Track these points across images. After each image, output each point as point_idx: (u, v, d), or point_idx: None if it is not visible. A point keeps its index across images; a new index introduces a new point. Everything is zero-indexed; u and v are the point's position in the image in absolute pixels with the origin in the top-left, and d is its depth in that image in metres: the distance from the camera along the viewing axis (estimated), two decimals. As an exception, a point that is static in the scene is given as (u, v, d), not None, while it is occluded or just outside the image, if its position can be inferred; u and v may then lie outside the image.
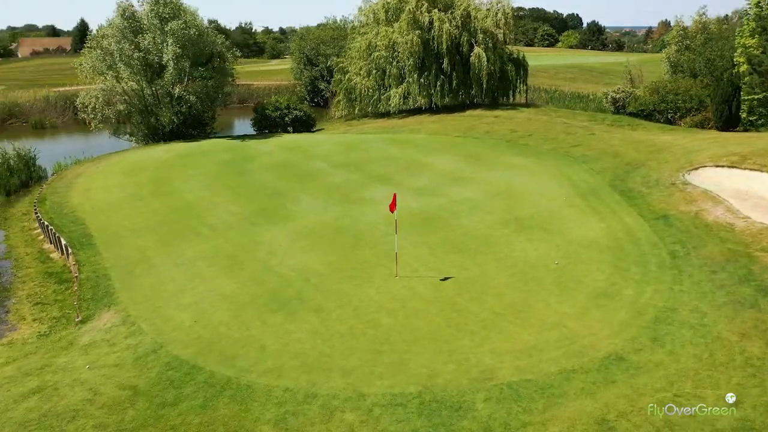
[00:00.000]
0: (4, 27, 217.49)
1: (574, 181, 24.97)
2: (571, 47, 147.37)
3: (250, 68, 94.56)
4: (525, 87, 46.84)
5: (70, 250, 19.70)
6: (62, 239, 20.55)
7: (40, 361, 12.85)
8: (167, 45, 37.19)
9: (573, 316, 13.58)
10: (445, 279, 15.77)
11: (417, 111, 44.17)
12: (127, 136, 40.46)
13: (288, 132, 41.23)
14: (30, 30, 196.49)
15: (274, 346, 12.68)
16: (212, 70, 40.44)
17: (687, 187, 21.80)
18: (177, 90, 38.35)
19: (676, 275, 15.43)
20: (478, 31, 41.75)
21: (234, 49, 43.64)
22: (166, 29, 37.26)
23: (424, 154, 31.19)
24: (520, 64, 45.16)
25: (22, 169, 32.25)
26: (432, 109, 43.50)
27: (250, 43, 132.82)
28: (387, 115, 44.43)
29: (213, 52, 40.84)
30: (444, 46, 40.64)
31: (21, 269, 20.31)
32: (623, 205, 21.44)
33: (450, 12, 41.96)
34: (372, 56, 43.28)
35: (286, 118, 41.14)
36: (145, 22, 38.17)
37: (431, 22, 41.04)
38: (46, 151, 39.61)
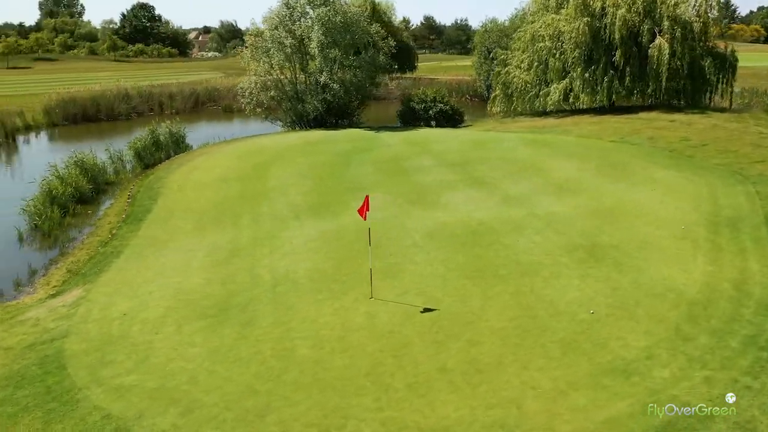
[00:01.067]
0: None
1: (720, 205, 18.87)
2: None
3: (447, 63, 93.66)
4: (730, 88, 38.05)
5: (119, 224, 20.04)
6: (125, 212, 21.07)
7: (-31, 330, 12.65)
8: (313, 32, 37.29)
9: (545, 394, 9.41)
10: (426, 311, 12.34)
11: (580, 111, 38.56)
12: (278, 121, 41.62)
13: (430, 126, 38.87)
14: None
15: (157, 360, 10.79)
16: (362, 60, 39.62)
17: None
18: (323, 78, 38.32)
19: (759, 360, 10.08)
20: (665, 19, 34.72)
21: (388, 38, 42.40)
22: (313, 16, 37.41)
23: (551, 159, 26.64)
24: (726, 61, 36.73)
25: (170, 146, 34.71)
26: (597, 109, 37.58)
27: (463, 40, 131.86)
28: (545, 113, 39.58)
29: (366, 42, 40.05)
30: (617, 36, 34.59)
31: (91, 237, 21.19)
32: (765, 244, 15.37)
33: (630, -5, 35.61)
34: (535, 47, 38.71)
35: (430, 112, 38.79)
36: (299, 10, 38.81)
37: (604, 8, 35.21)
38: (216, 132, 42.52)
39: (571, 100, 37.82)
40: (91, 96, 50.85)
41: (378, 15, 68.73)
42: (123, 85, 54.40)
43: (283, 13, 39.11)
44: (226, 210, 20.77)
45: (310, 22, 38.24)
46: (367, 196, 13.01)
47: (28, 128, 47.18)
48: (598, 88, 36.09)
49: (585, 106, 38.07)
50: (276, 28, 38.77)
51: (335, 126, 39.51)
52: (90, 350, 11.22)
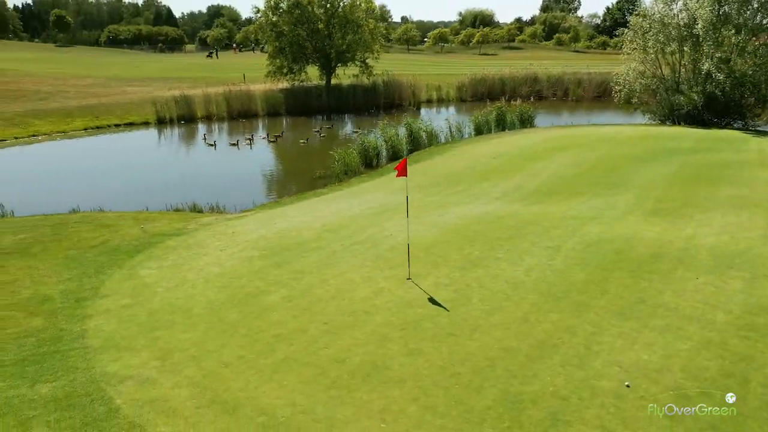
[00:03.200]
0: None
1: None
2: None
3: None
4: None
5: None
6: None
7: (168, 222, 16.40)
8: (703, 7, 31.05)
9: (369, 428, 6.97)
10: (431, 304, 10.14)
11: None
12: (649, 114, 36.59)
13: None
14: None
15: (185, 265, 12.09)
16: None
17: None
18: (706, 65, 31.83)
19: None
20: None
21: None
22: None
23: None
24: None
25: (515, 123, 35.27)
26: None
27: None
28: None
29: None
30: None
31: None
32: None
33: None
34: None
35: None
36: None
37: None
38: (604, 119, 40.59)
39: None
40: (501, 77, 54.40)
41: None
42: (533, 70, 56.23)
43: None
44: (454, 179, 20.39)
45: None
46: (404, 159, 11.17)
47: (440, 101, 54.01)
48: None
49: None
50: (668, 4, 33.86)
51: (714, 125, 32.48)
52: (169, 248, 13.36)
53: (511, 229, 14.17)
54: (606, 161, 23.00)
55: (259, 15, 50.52)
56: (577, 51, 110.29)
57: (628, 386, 7.78)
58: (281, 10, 48.38)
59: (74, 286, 11.08)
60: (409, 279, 11.23)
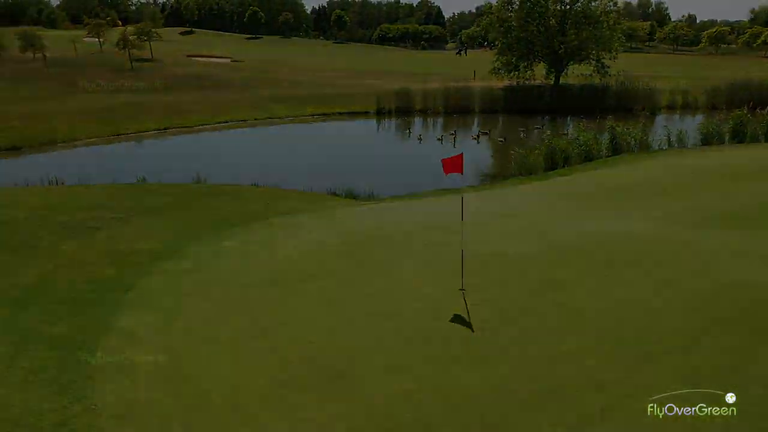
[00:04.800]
0: None
1: None
2: None
3: None
4: None
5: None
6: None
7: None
8: None
9: None
10: (455, 322, 8.92)
11: None
12: None
13: None
14: None
15: (265, 240, 12.50)
16: None
17: None
18: None
19: None
20: None
21: None
22: None
23: None
24: None
25: (759, 136, 29.64)
26: None
27: None
28: None
29: None
30: None
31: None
32: None
33: None
34: None
35: None
36: None
37: None
38: None
39: None
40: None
41: None
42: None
43: None
44: (618, 191, 17.85)
45: None
46: (460, 154, 9.77)
47: (685, 107, 47.44)
48: None
49: None
50: None
51: None
52: (268, 225, 13.92)
53: (631, 254, 11.72)
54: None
55: (491, 11, 50.02)
56: None
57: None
58: (513, 5, 47.18)
59: (162, 246, 12.21)
60: (462, 290, 10.00)
